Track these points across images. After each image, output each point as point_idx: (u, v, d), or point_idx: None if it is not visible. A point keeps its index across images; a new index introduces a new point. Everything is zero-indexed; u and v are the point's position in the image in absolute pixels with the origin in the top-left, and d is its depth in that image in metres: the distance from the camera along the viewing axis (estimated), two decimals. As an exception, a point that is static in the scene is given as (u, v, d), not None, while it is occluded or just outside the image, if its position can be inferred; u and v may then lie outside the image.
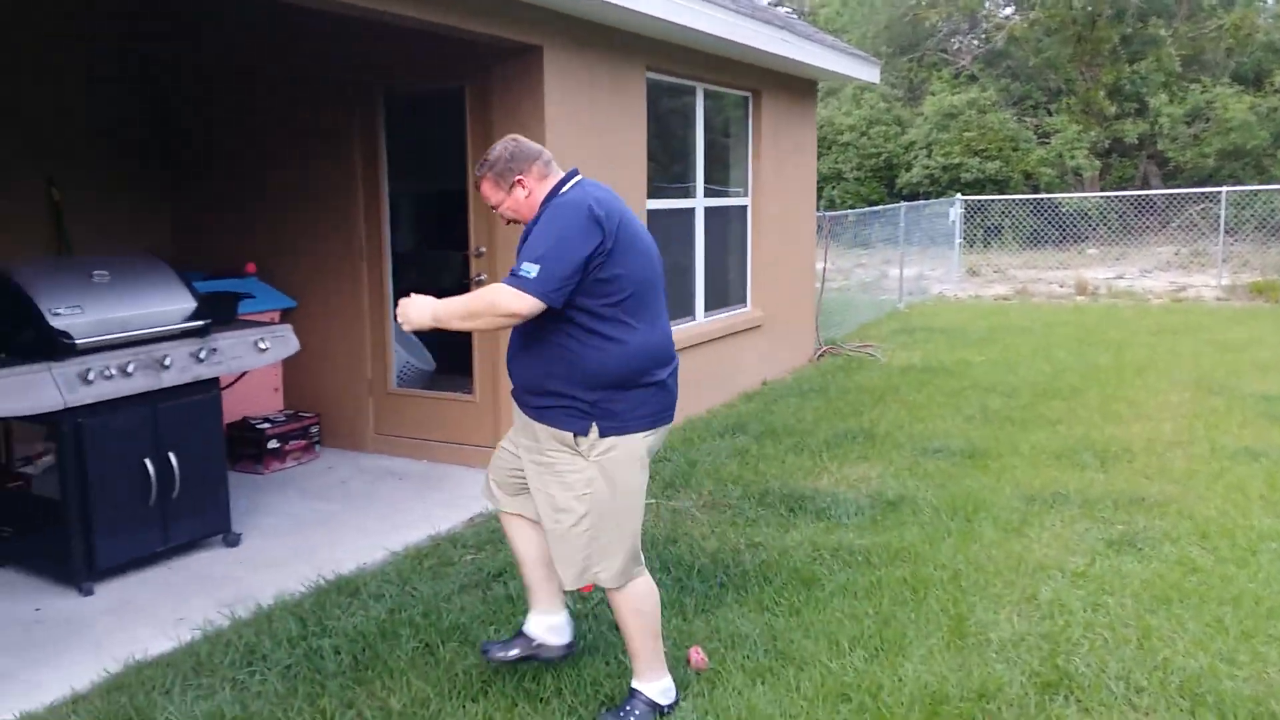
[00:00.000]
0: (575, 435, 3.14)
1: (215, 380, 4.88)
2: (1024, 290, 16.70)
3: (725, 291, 8.58)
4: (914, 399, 8.20)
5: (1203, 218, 19.56)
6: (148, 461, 4.55)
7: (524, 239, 3.14)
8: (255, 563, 4.77)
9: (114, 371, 4.40)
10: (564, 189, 3.23)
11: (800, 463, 6.34)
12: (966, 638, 3.88)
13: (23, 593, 4.42)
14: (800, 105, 9.51)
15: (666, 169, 7.60)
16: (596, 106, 6.35)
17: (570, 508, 3.18)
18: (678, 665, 3.64)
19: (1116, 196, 20.61)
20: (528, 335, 3.18)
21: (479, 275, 6.19)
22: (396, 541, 4.99)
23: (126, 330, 4.54)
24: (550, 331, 3.11)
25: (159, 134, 7.22)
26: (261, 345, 5.05)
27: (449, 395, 6.53)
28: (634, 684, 3.35)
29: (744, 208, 8.76)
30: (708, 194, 8.07)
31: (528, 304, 2.98)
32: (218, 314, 4.99)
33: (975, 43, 30.21)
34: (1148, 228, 19.96)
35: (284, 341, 5.20)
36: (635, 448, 3.18)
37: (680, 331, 7.64)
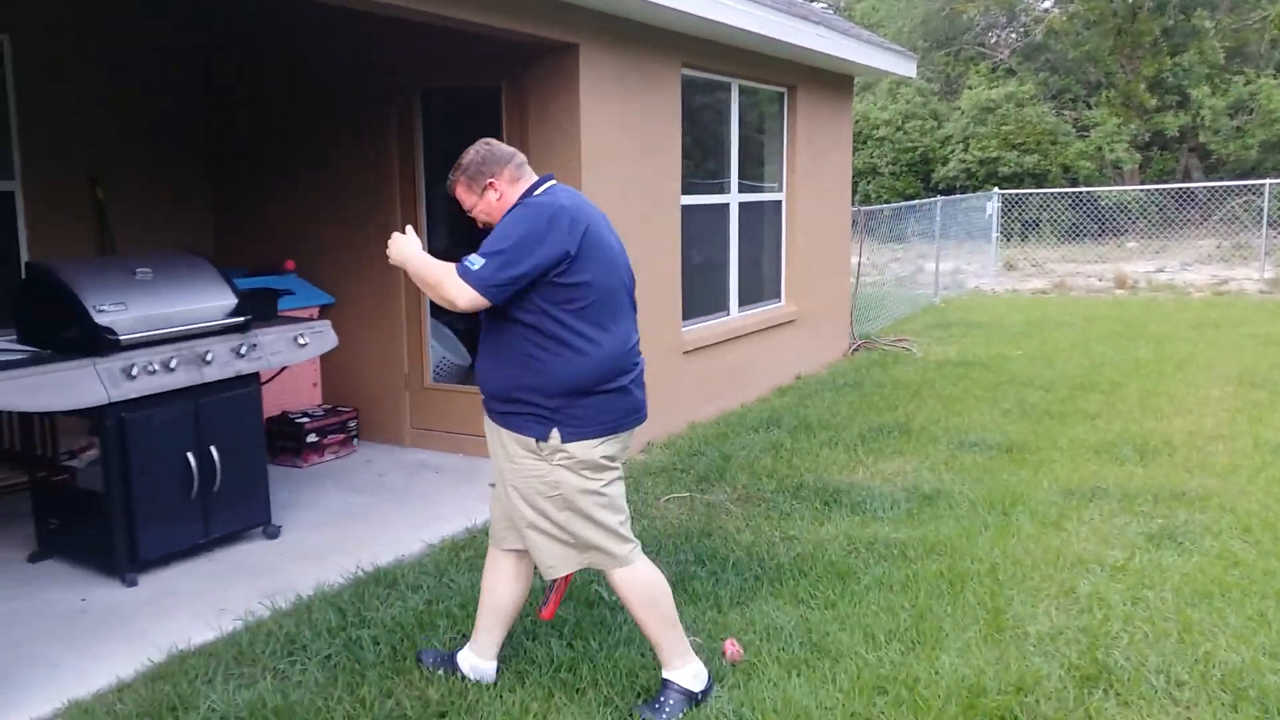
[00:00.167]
0: (536, 440, 3.18)
1: (255, 375, 4.94)
2: (1062, 284, 16.52)
3: (759, 286, 8.57)
4: (950, 393, 8.14)
5: (1245, 210, 19.24)
6: (189, 455, 4.62)
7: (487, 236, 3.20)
8: (295, 554, 4.84)
9: (157, 367, 4.47)
10: (535, 192, 3.26)
11: (835, 457, 6.32)
12: (1004, 631, 3.86)
13: (69, 583, 4.50)
14: (836, 100, 9.47)
15: (701, 165, 7.59)
16: (632, 103, 6.36)
17: (544, 511, 3.23)
18: (713, 657, 3.65)
19: (1157, 189, 20.34)
20: (494, 342, 3.22)
21: (514, 271, 6.21)
22: (433, 534, 5.04)
23: (169, 326, 4.61)
24: (515, 338, 3.15)
25: (200, 133, 7.32)
26: (301, 341, 5.11)
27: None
28: (665, 674, 3.36)
29: (778, 203, 8.74)
30: (742, 189, 8.06)
31: (466, 296, 3.03)
32: (258, 310, 5.07)
33: (1013, 36, 29.93)
34: (1189, 221, 19.67)
35: (322, 337, 5.26)
36: (596, 453, 3.21)
37: (714, 327, 7.65)
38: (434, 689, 3.44)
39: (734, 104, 7.84)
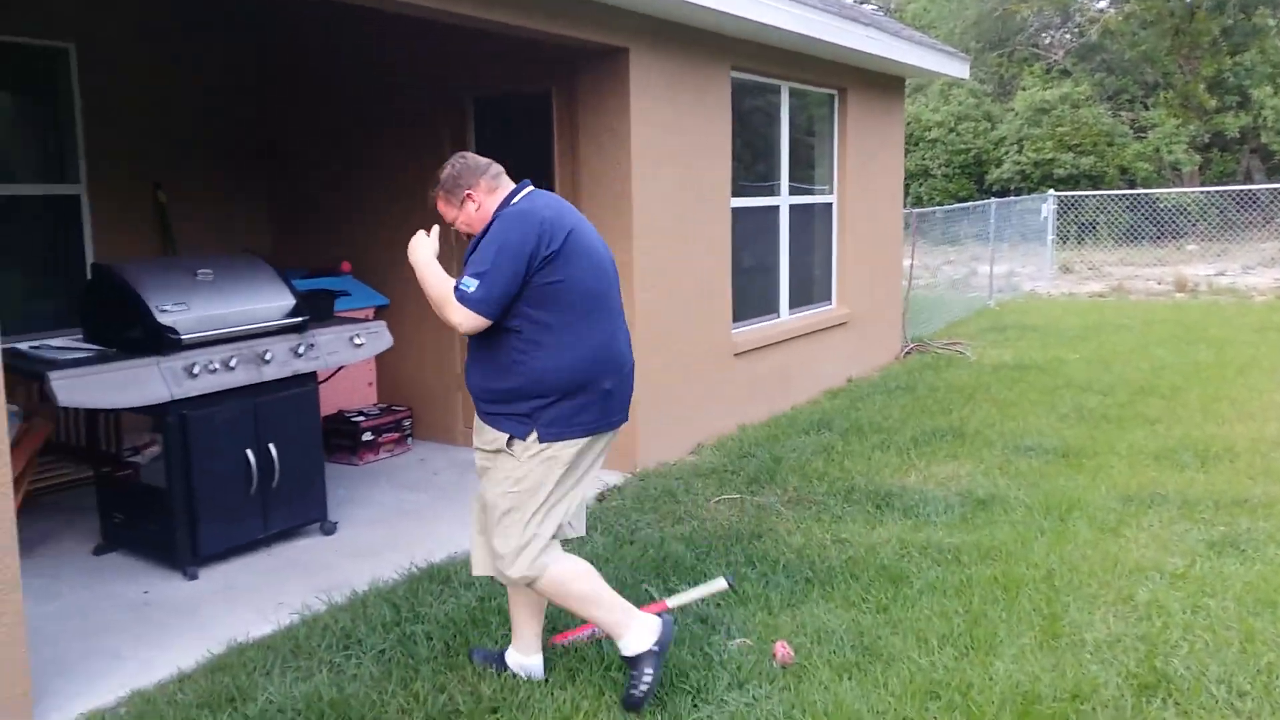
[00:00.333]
0: (513, 438, 3.23)
1: (313, 375, 5.03)
2: (1120, 287, 16.25)
3: (810, 289, 8.53)
4: (1005, 397, 8.05)
5: (1310, 212, 18.78)
6: (249, 452, 4.70)
7: (472, 246, 3.24)
8: (350, 550, 4.91)
9: (217, 366, 4.57)
10: (514, 200, 3.31)
11: (887, 460, 6.28)
12: (1060, 638, 3.81)
13: (132, 576, 4.61)
14: (887, 102, 9.40)
15: (751, 167, 7.58)
16: (681, 106, 6.37)
17: (497, 504, 3.28)
18: (764, 659, 3.64)
19: (1217, 191, 19.91)
20: (480, 343, 3.27)
21: (565, 273, 6.25)
22: (485, 533, 5.07)
23: (229, 326, 4.71)
24: (500, 339, 3.21)
25: (258, 138, 7.45)
26: (357, 341, 5.19)
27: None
28: (623, 653, 3.37)
29: (829, 205, 8.70)
30: (793, 192, 8.04)
31: (469, 321, 3.13)
32: (315, 311, 5.15)
33: (1068, 36, 29.48)
34: (1251, 223, 19.23)
35: (378, 338, 5.33)
36: (571, 452, 3.25)
37: (764, 329, 7.63)
38: (486, 685, 3.47)
39: (784, 106, 7.82)
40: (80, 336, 4.80)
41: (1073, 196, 19.20)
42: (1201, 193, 20.56)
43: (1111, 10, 26.98)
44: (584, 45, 5.73)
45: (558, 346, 3.19)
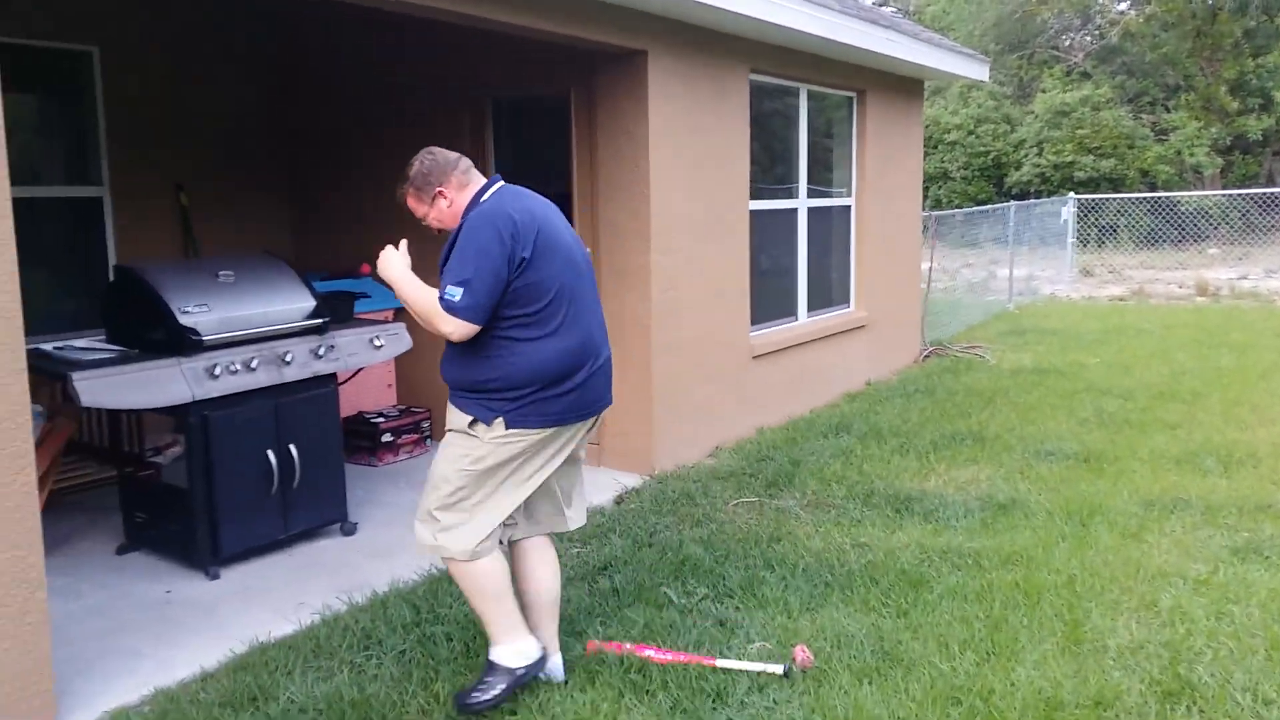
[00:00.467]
0: (476, 420, 3.25)
1: (333, 376, 5.05)
2: (1141, 291, 16.14)
3: (828, 292, 8.51)
4: (1025, 401, 8.01)
5: (1334, 216, 18.62)
6: (270, 453, 4.72)
7: (446, 251, 3.25)
8: (370, 551, 4.92)
9: (239, 367, 4.59)
10: (484, 197, 3.32)
11: (906, 464, 6.25)
12: (1082, 644, 3.78)
13: (155, 575, 4.64)
14: (906, 104, 9.38)
15: (769, 170, 7.57)
16: (700, 109, 6.37)
17: (448, 479, 3.28)
18: (783, 662, 3.63)
19: (1239, 194, 19.77)
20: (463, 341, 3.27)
21: (584, 275, 6.26)
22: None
23: (250, 328, 4.73)
24: (484, 337, 3.21)
25: (279, 140, 7.49)
26: (376, 343, 5.21)
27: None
28: (490, 655, 3.39)
29: (848, 208, 8.68)
30: (811, 194, 8.02)
31: (459, 330, 3.14)
32: (336, 313, 5.17)
33: (1088, 39, 29.34)
34: (1273, 226, 19.08)
35: (398, 339, 5.35)
36: (533, 440, 3.26)
37: (782, 331, 7.62)
38: (506, 687, 3.47)
39: (803, 109, 7.81)
40: (103, 337, 4.83)
41: (1093, 199, 19.08)
42: (1223, 196, 20.42)
43: (1132, 12, 26.84)
44: (603, 48, 5.74)
45: (534, 343, 3.22)
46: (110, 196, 6.45)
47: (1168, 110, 25.36)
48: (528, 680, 3.38)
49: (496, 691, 3.31)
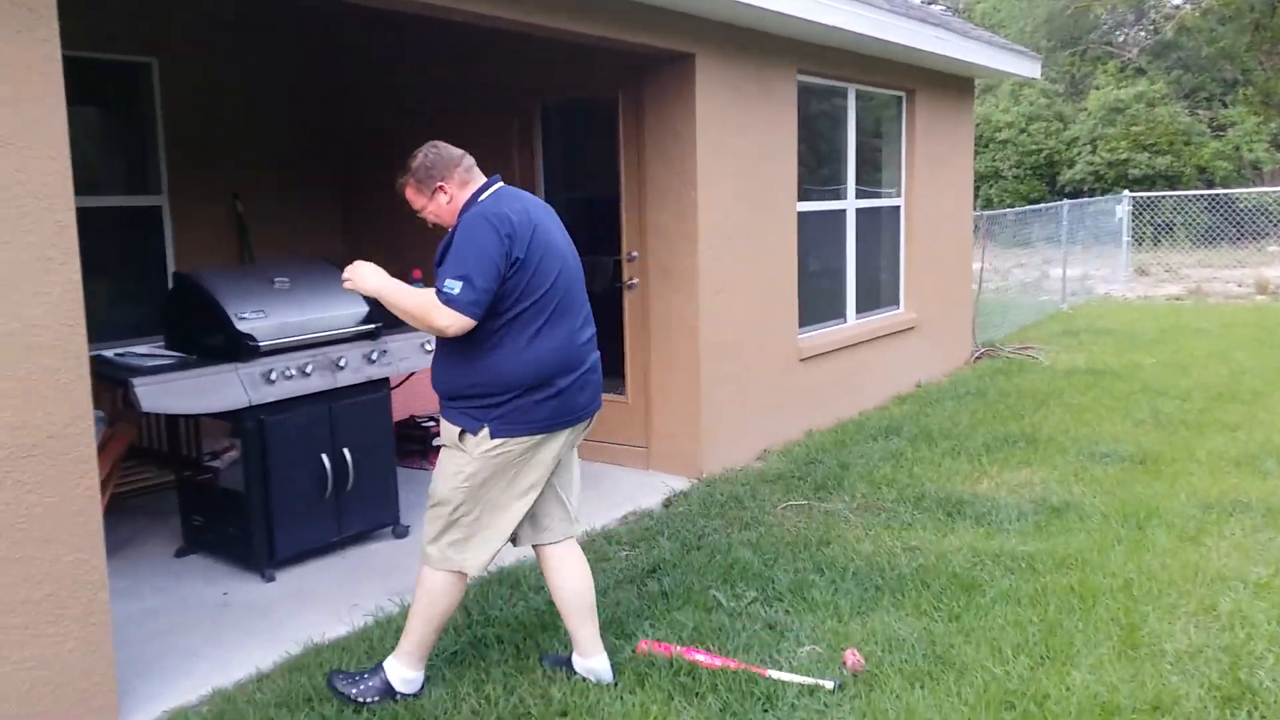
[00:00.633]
0: (464, 432, 3.27)
1: (385, 380, 5.11)
2: (1198, 290, 15.82)
3: (877, 293, 8.45)
4: (1079, 402, 7.89)
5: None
6: (324, 457, 4.80)
7: (443, 248, 3.26)
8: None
9: (294, 372, 4.66)
10: (482, 196, 3.33)
11: (957, 466, 6.19)
12: (1139, 648, 3.72)
13: (212, 577, 4.73)
14: (956, 103, 9.29)
15: (817, 171, 7.54)
16: (747, 110, 6.36)
17: (448, 499, 3.32)
18: (831, 665, 3.62)
19: (1301, 190, 19.29)
20: (449, 344, 3.29)
21: (631, 279, 6.29)
22: (554, 538, 5.10)
23: (305, 333, 4.81)
24: (467, 340, 3.22)
25: (331, 147, 7.60)
26: (428, 347, 5.27)
27: (602, 397, 6.62)
28: (385, 661, 3.44)
29: (897, 208, 8.61)
30: (859, 195, 7.97)
31: (457, 323, 3.13)
32: (388, 318, 5.22)
33: (1142, 34, 28.83)
34: (1337, 223, 18.60)
35: (447, 343, 5.39)
36: (520, 449, 3.27)
37: (830, 333, 7.58)
38: (556, 688, 3.50)
39: (851, 109, 7.76)
40: (162, 343, 4.94)
41: (1148, 197, 18.73)
42: (1284, 192, 19.93)
43: (1188, 6, 26.32)
44: (651, 51, 5.76)
45: (517, 344, 3.22)
46: (169, 205, 6.59)
47: (1225, 105, 24.84)
48: (396, 700, 3.42)
49: (369, 698, 3.38)
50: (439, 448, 6.51)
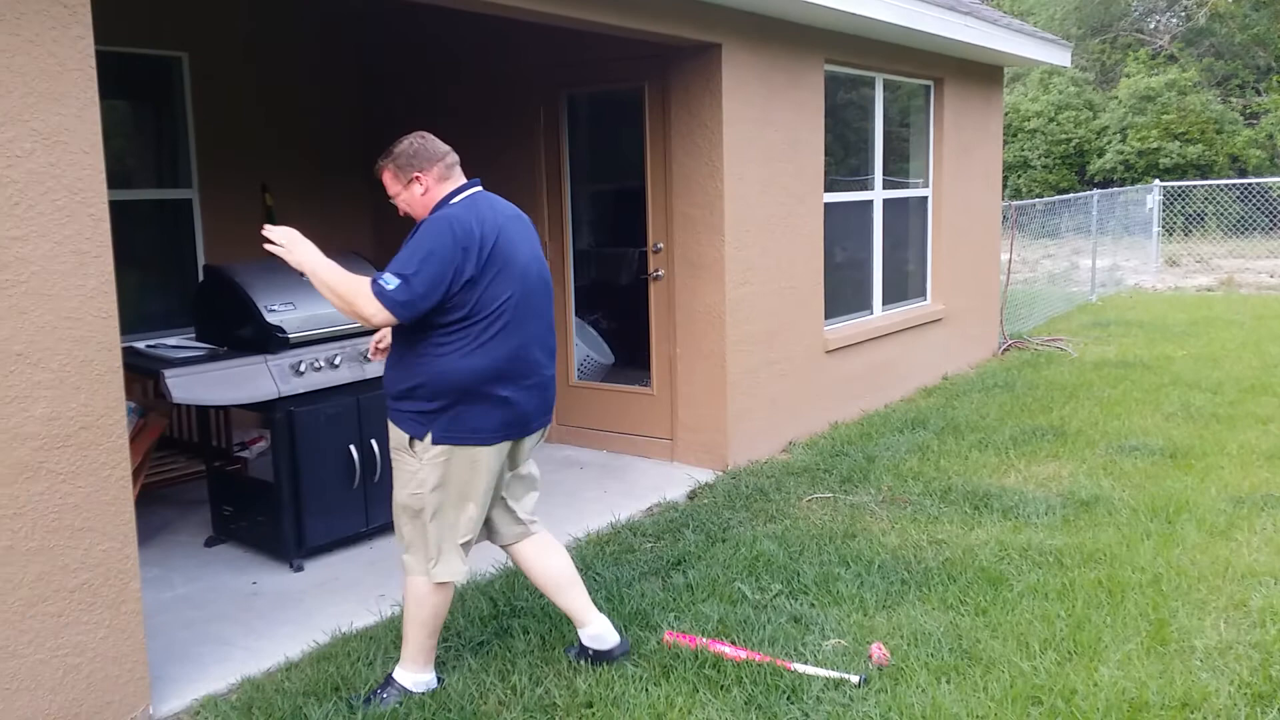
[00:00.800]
0: (411, 439, 3.26)
1: (411, 372, 5.13)
2: (1230, 281, 15.63)
3: (904, 284, 8.41)
4: (1109, 395, 7.82)
5: None
6: (352, 448, 4.83)
7: (408, 240, 3.23)
8: (448, 546, 4.99)
9: (322, 364, 4.70)
10: (456, 199, 3.29)
11: (985, 459, 6.16)
12: (1168, 644, 3.70)
13: (241, 567, 4.78)
14: (984, 92, 9.21)
15: (844, 161, 7.51)
16: (774, 101, 6.34)
17: (408, 505, 3.32)
18: (857, 659, 3.62)
19: (1336, 179, 19.00)
20: (401, 344, 3.28)
21: (656, 271, 6.29)
22: (579, 528, 5.14)
23: (333, 325, 4.84)
24: (416, 341, 3.21)
25: (359, 138, 7.64)
26: (453, 339, 5.28)
27: (628, 389, 6.65)
28: (393, 672, 3.45)
29: (924, 199, 8.56)
30: (887, 185, 7.93)
31: (381, 316, 3.10)
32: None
33: (1174, 21, 28.46)
34: (1373, 212, 18.30)
35: (474, 335, 5.42)
36: (467, 458, 3.26)
37: (857, 325, 7.55)
38: (582, 679, 3.52)
39: (878, 98, 7.72)
40: (193, 335, 4.99)
41: (1180, 187, 18.52)
42: (1319, 181, 19.63)
43: (1221, -8, 25.96)
44: (677, 42, 5.74)
45: (461, 351, 3.19)
46: (199, 198, 6.64)
47: (1258, 93, 24.51)
48: (403, 699, 3.43)
49: (390, 700, 3.40)
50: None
